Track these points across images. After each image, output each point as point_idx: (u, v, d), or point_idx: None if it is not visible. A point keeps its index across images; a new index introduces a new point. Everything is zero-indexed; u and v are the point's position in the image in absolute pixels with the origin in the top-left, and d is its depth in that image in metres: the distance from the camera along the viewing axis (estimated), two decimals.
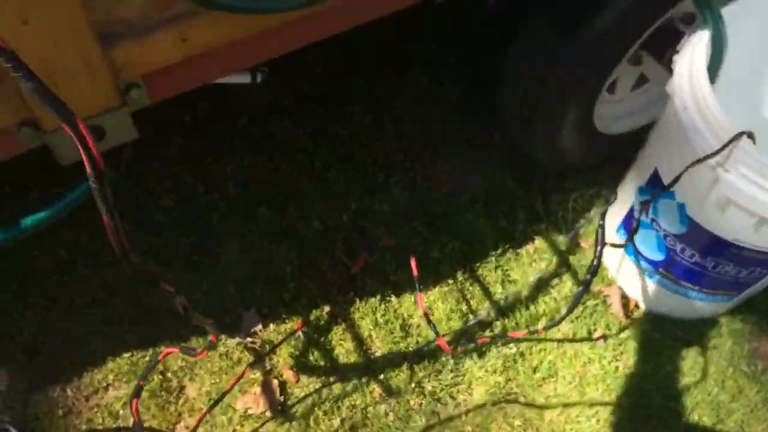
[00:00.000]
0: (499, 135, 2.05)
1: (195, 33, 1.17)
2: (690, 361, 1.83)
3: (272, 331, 1.78)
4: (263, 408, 1.69)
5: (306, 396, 1.71)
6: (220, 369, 1.73)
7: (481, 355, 1.80)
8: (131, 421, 1.65)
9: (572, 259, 1.94)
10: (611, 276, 1.93)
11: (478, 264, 1.90)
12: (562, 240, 1.95)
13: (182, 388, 1.71)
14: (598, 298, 1.89)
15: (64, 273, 1.79)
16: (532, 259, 1.93)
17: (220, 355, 1.74)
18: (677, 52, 1.46)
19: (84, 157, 0.65)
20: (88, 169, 0.66)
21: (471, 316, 1.83)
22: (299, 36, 1.37)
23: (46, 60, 1.03)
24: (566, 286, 1.90)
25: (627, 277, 1.87)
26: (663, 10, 1.52)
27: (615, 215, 1.81)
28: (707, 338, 1.86)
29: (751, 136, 1.28)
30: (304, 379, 1.74)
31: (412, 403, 1.73)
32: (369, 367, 1.76)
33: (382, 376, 1.75)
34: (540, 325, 1.82)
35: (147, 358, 1.72)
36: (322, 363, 1.75)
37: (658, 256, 1.69)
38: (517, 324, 1.84)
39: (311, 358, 1.76)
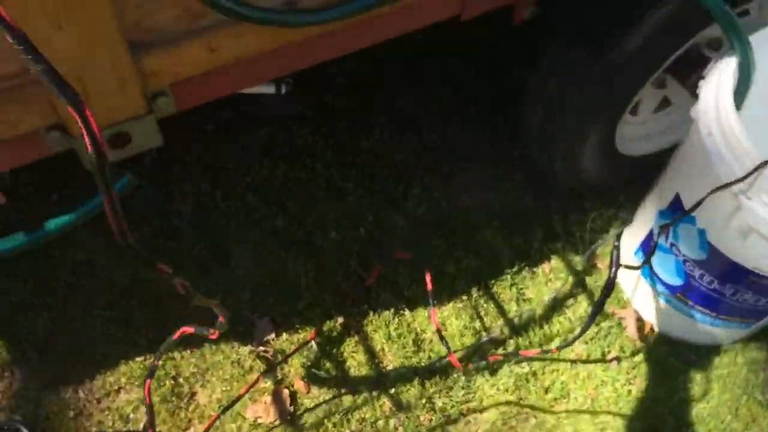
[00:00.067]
0: (519, 152, 2.05)
1: (223, 44, 1.18)
2: (704, 388, 1.81)
3: (285, 341, 1.78)
4: (273, 418, 1.69)
5: (316, 407, 1.71)
6: (231, 376, 1.73)
7: (493, 373, 1.79)
8: (141, 425, 1.66)
9: (588, 279, 1.93)
10: (627, 298, 1.91)
11: (493, 281, 1.90)
12: (578, 260, 1.94)
13: (193, 394, 1.71)
14: (612, 320, 1.88)
15: (81, 274, 1.80)
16: (548, 278, 1.92)
17: (231, 362, 1.74)
18: (703, 77, 1.46)
19: (87, 139, 0.66)
20: (89, 148, 0.67)
21: (484, 334, 1.83)
22: (325, 49, 1.38)
23: (77, 66, 1.04)
24: (581, 306, 1.89)
25: (643, 300, 1.86)
26: (690, 35, 1.51)
27: (634, 237, 1.80)
28: (722, 365, 1.84)
29: None
30: (315, 390, 1.73)
31: (422, 418, 1.73)
32: (380, 381, 1.76)
33: (393, 391, 1.74)
34: (553, 345, 1.81)
35: (160, 363, 1.72)
36: (333, 374, 1.75)
37: (677, 281, 1.68)
38: (530, 343, 1.83)
39: (323, 369, 1.76)
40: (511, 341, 1.83)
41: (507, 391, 1.77)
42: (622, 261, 1.59)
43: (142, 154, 1.34)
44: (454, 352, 1.74)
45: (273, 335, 1.78)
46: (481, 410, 1.75)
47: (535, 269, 1.93)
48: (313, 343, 1.77)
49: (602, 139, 1.73)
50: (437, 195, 1.99)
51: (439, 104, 2.11)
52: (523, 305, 1.88)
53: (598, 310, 1.59)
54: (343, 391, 1.74)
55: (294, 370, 1.75)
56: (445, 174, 2.02)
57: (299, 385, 1.73)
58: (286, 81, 1.51)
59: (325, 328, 1.80)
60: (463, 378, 1.77)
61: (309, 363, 1.75)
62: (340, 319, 1.81)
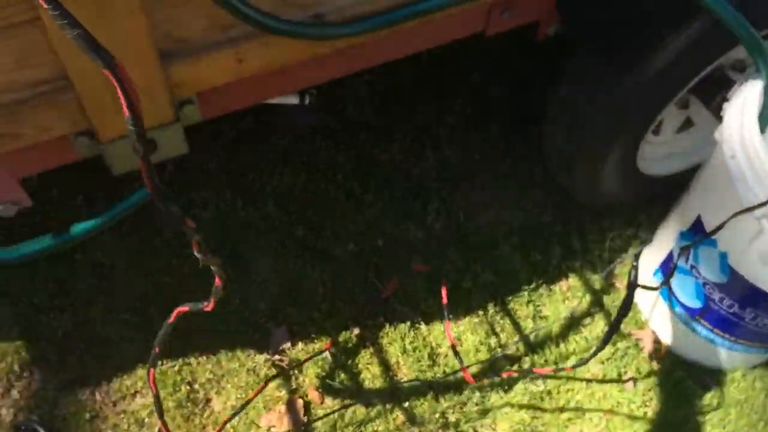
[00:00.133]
0: (539, 169, 2.05)
1: (251, 55, 1.20)
2: (720, 413, 1.79)
3: (300, 350, 1.78)
4: (287, 427, 1.70)
5: (330, 418, 1.71)
6: (246, 384, 1.74)
7: (508, 390, 1.78)
8: (156, 429, 1.67)
9: (606, 298, 1.92)
10: (644, 319, 1.90)
11: (510, 297, 1.89)
12: (596, 279, 1.93)
13: (208, 400, 1.72)
14: (629, 341, 1.87)
15: (103, 278, 1.82)
16: (565, 296, 1.92)
17: (247, 370, 1.75)
18: (727, 99, 1.45)
19: (122, 100, 0.67)
20: (126, 111, 0.69)
21: (499, 350, 1.82)
22: (351, 62, 1.39)
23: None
24: (598, 326, 1.88)
25: (661, 321, 1.84)
26: (715, 56, 1.51)
27: (653, 258, 1.79)
28: (739, 390, 1.82)
29: None
30: (328, 400, 1.74)
31: None
32: (394, 394, 1.76)
33: (406, 404, 1.74)
34: (569, 364, 1.80)
35: (176, 369, 1.74)
36: (347, 386, 1.75)
37: (696, 304, 1.66)
38: (546, 361, 1.82)
39: (337, 380, 1.76)
40: (527, 358, 1.82)
41: (521, 408, 1.76)
42: (641, 281, 1.58)
43: (164, 161, 1.36)
44: (468, 367, 1.74)
45: (289, 344, 1.79)
46: (495, 427, 1.74)
47: (552, 287, 1.92)
48: (327, 353, 1.78)
49: (624, 159, 1.73)
50: (456, 209, 1.99)
51: (459, 119, 2.12)
52: (539, 322, 1.87)
53: (614, 330, 1.58)
54: (356, 402, 1.74)
55: (308, 380, 1.75)
56: (464, 189, 2.02)
57: (313, 395, 1.74)
58: (310, 92, 1.52)
59: (340, 339, 1.80)
60: (477, 394, 1.77)
61: (323, 373, 1.76)
62: (356, 331, 1.82)
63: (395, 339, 1.81)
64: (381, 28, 1.20)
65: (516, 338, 1.85)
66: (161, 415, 1.39)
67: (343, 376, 1.77)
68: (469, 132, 2.10)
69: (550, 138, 1.81)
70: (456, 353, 1.70)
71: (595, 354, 1.62)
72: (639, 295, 1.87)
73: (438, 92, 2.15)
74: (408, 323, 1.83)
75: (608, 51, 1.52)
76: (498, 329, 1.86)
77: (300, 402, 1.73)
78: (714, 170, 1.48)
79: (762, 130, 1.35)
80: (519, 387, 1.79)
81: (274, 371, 1.75)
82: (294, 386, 1.75)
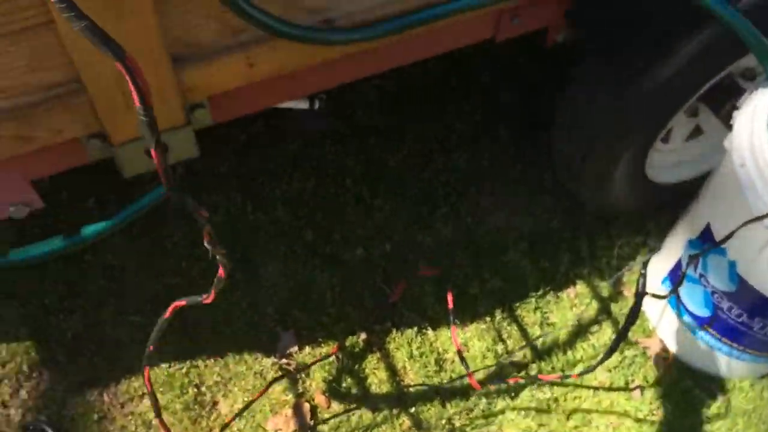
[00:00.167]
0: (548, 175, 2.05)
1: (261, 59, 1.20)
2: (728, 423, 1.78)
3: (308, 354, 1.79)
4: (293, 430, 1.70)
5: (336, 422, 1.72)
6: (253, 387, 1.74)
7: (514, 397, 1.78)
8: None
9: (614, 306, 1.91)
10: (652, 327, 1.89)
11: (517, 304, 1.89)
12: (604, 286, 1.93)
13: (215, 403, 1.73)
14: (637, 349, 1.86)
15: (113, 280, 1.83)
16: (573, 304, 1.91)
17: (254, 373, 1.76)
18: (737, 107, 1.45)
19: (133, 91, 0.68)
20: (137, 102, 0.69)
21: (506, 356, 1.82)
22: (361, 67, 1.40)
23: (121, 77, 1.07)
24: (606, 333, 1.87)
25: (669, 329, 1.84)
26: (724, 64, 1.51)
27: (662, 266, 1.78)
28: (747, 400, 1.81)
29: None
30: (335, 405, 1.74)
31: None
32: (401, 399, 1.76)
33: (413, 410, 1.74)
34: (576, 371, 1.80)
35: (184, 371, 1.74)
36: (354, 390, 1.76)
37: (704, 312, 1.66)
38: (553, 368, 1.82)
39: (344, 384, 1.76)
40: (534, 365, 1.82)
41: (528, 416, 1.76)
42: (649, 289, 1.58)
43: (175, 165, 1.37)
44: (474, 372, 1.73)
45: (296, 348, 1.80)
46: None
47: (560, 293, 1.92)
48: (334, 357, 1.78)
49: (633, 166, 1.73)
50: (464, 215, 1.99)
51: (469, 124, 2.12)
52: (547, 329, 1.87)
53: (621, 338, 1.57)
54: (363, 407, 1.74)
55: (315, 384, 1.76)
56: (473, 194, 2.02)
57: (320, 399, 1.74)
58: (320, 96, 1.53)
59: (347, 344, 1.81)
60: (484, 400, 1.77)
61: (330, 378, 1.76)
62: (363, 336, 1.82)
63: (402, 344, 1.81)
64: (391, 34, 1.21)
65: (523, 345, 1.84)
66: (158, 413, 1.39)
67: (350, 380, 1.77)
68: (479, 137, 2.10)
69: (558, 145, 1.81)
70: (462, 358, 1.70)
71: (602, 362, 1.61)
72: (647, 303, 1.86)
73: (447, 97, 2.16)
74: (415, 329, 1.83)
75: (617, 58, 1.52)
76: (505, 336, 1.86)
77: (307, 406, 1.73)
78: (723, 178, 1.48)
79: None
80: (526, 394, 1.78)
81: (280, 373, 1.76)
82: (301, 390, 1.75)
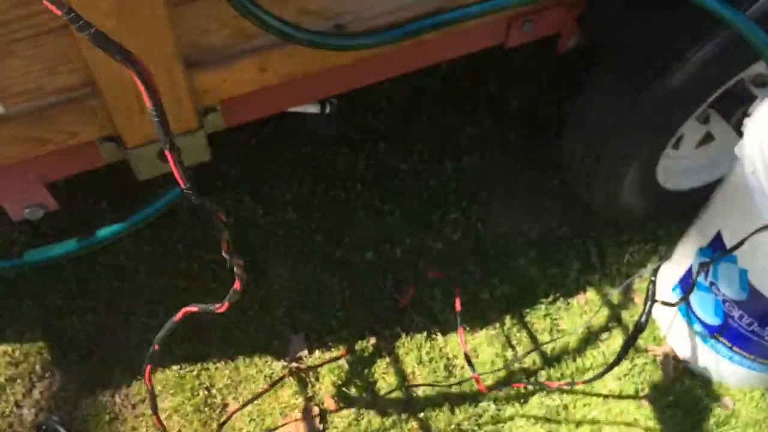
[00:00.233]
0: (558, 182, 2.05)
1: (273, 64, 1.22)
2: None
3: (317, 358, 1.79)
4: None
5: (345, 426, 1.72)
6: (263, 390, 1.75)
7: (523, 403, 1.78)
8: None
9: (624, 313, 1.91)
10: (662, 335, 1.89)
11: (527, 310, 1.89)
12: (614, 293, 1.93)
13: (225, 405, 1.74)
14: (647, 357, 1.85)
15: (124, 281, 1.85)
16: (583, 310, 1.91)
17: (264, 376, 1.76)
18: (748, 114, 1.45)
19: (144, 93, 0.70)
20: (148, 103, 0.71)
21: (516, 363, 1.82)
22: (372, 72, 1.41)
23: (133, 80, 1.09)
24: (616, 340, 1.87)
25: (679, 338, 1.83)
26: (735, 71, 1.51)
27: (672, 273, 1.78)
28: (757, 409, 1.80)
29: None
30: (344, 409, 1.74)
31: None
32: (409, 404, 1.76)
33: (421, 415, 1.74)
34: (586, 378, 1.79)
35: (195, 373, 1.75)
36: (363, 395, 1.76)
37: (715, 321, 1.65)
38: (562, 375, 1.82)
39: (353, 388, 1.77)
40: (543, 372, 1.82)
41: (537, 423, 1.76)
42: (660, 297, 1.58)
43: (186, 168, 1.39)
44: (481, 374, 1.73)
45: (306, 352, 1.80)
46: None
47: (570, 300, 1.92)
48: (344, 361, 1.79)
49: (643, 173, 1.73)
50: (474, 220, 2.00)
51: (479, 130, 2.13)
52: (556, 336, 1.87)
53: (629, 346, 1.57)
54: (372, 411, 1.74)
55: (324, 388, 1.76)
56: (483, 200, 2.03)
57: (329, 403, 1.75)
58: (331, 101, 1.55)
59: (357, 348, 1.81)
60: (492, 406, 1.76)
61: (340, 381, 1.77)
62: (373, 340, 1.82)
63: (411, 349, 1.82)
64: (402, 40, 1.22)
65: (532, 351, 1.84)
66: (155, 410, 1.40)
67: (359, 384, 1.78)
68: (488, 143, 2.11)
69: (569, 152, 1.81)
70: (468, 360, 1.70)
71: (609, 369, 1.61)
72: (657, 310, 1.86)
73: (457, 103, 2.16)
74: (424, 333, 1.83)
75: (628, 64, 1.52)
76: (515, 342, 1.86)
77: (316, 409, 1.74)
78: (734, 186, 1.47)
79: None
80: (535, 400, 1.78)
81: (290, 378, 1.76)
82: (310, 393, 1.76)
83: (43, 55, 1.03)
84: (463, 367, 1.81)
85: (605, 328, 1.89)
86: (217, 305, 1.14)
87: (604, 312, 1.90)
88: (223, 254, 0.99)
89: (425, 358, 1.81)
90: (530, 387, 1.78)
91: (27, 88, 1.07)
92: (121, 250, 1.87)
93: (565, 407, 1.78)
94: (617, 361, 1.58)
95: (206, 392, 1.74)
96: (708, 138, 1.83)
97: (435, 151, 2.08)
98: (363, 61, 1.30)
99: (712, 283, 1.60)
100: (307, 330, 1.83)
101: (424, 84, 2.16)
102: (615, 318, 1.90)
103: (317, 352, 1.80)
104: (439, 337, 1.84)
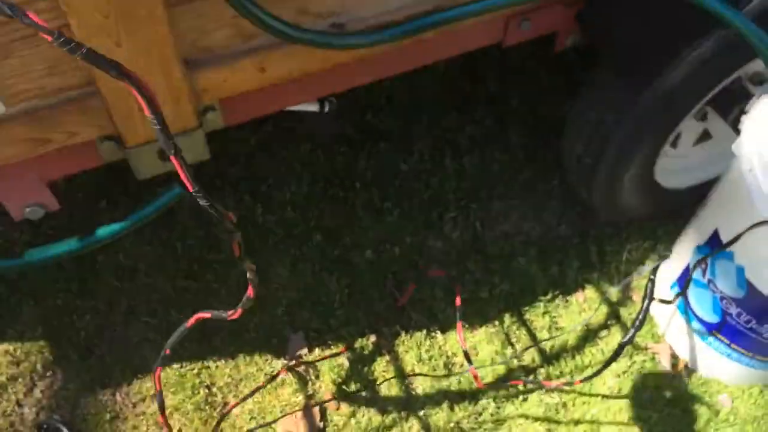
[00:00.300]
0: (557, 180, 2.05)
1: (272, 64, 1.22)
2: (737, 429, 1.77)
3: (317, 356, 1.80)
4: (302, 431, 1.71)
5: (345, 424, 1.73)
6: (263, 389, 1.76)
7: (523, 401, 1.78)
8: (175, 431, 1.69)
9: (623, 311, 1.91)
10: (661, 333, 1.89)
11: (526, 308, 1.90)
12: (613, 291, 1.93)
13: (226, 404, 1.74)
14: (646, 355, 1.86)
15: (125, 280, 1.86)
16: (582, 308, 1.91)
17: (264, 375, 1.77)
18: (745, 111, 1.45)
19: (143, 104, 0.71)
20: (147, 112, 0.72)
21: (515, 361, 1.82)
22: (371, 71, 1.42)
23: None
24: (614, 338, 1.87)
25: (677, 335, 1.83)
26: (732, 69, 1.51)
27: (671, 271, 1.78)
28: (756, 406, 1.80)
29: None
30: (344, 407, 1.75)
31: None
32: (409, 402, 1.76)
33: (421, 413, 1.75)
34: (585, 375, 1.79)
35: (195, 372, 1.76)
36: (363, 393, 1.77)
37: (713, 318, 1.66)
38: (561, 372, 1.82)
39: (353, 387, 1.77)
40: (542, 370, 1.82)
41: (536, 420, 1.76)
42: (658, 295, 1.59)
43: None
44: (480, 370, 1.74)
45: (305, 350, 1.81)
46: None
47: (569, 298, 1.92)
48: (344, 360, 1.79)
49: (642, 171, 1.73)
50: (474, 219, 2.00)
51: (479, 130, 2.13)
52: (555, 334, 1.87)
53: (626, 344, 1.58)
54: (372, 410, 1.75)
55: (325, 386, 1.77)
56: (483, 199, 2.03)
57: (329, 401, 1.75)
58: (330, 100, 1.55)
59: (357, 346, 1.82)
60: (492, 404, 1.77)
61: (340, 380, 1.77)
62: (373, 338, 1.83)
63: (411, 347, 1.82)
64: (400, 38, 1.23)
65: (532, 349, 1.84)
66: (162, 410, 1.41)
67: (359, 383, 1.78)
68: (488, 142, 2.11)
69: (569, 151, 1.81)
70: (467, 356, 1.70)
71: (605, 366, 1.62)
72: (656, 308, 1.87)
73: (457, 102, 2.17)
74: (424, 332, 1.84)
75: (627, 63, 1.53)
76: (514, 340, 1.87)
77: (316, 407, 1.74)
78: (731, 183, 1.48)
79: None
80: (534, 398, 1.79)
81: (291, 377, 1.77)
82: (311, 392, 1.76)
83: (43, 55, 1.04)
84: (462, 365, 1.81)
85: (604, 326, 1.89)
86: (230, 312, 1.13)
87: (603, 310, 1.91)
88: (236, 258, 0.98)
89: (425, 356, 1.81)
90: (529, 385, 1.79)
91: (27, 88, 1.08)
92: (120, 250, 1.88)
93: (564, 405, 1.79)
94: (614, 358, 1.58)
95: (207, 390, 1.75)
96: (705, 136, 1.84)
97: (435, 151, 2.09)
98: (362, 60, 1.31)
99: (709, 281, 1.60)
100: (307, 329, 1.83)
101: (424, 83, 2.16)
102: (614, 316, 1.91)
103: (317, 351, 1.81)
104: (439, 335, 1.85)
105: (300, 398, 1.75)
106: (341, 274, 1.90)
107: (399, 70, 1.47)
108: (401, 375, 1.79)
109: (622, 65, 1.57)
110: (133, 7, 0.99)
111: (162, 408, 1.41)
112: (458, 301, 1.71)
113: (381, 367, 1.80)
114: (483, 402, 1.77)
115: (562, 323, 1.89)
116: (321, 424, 1.73)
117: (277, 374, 1.74)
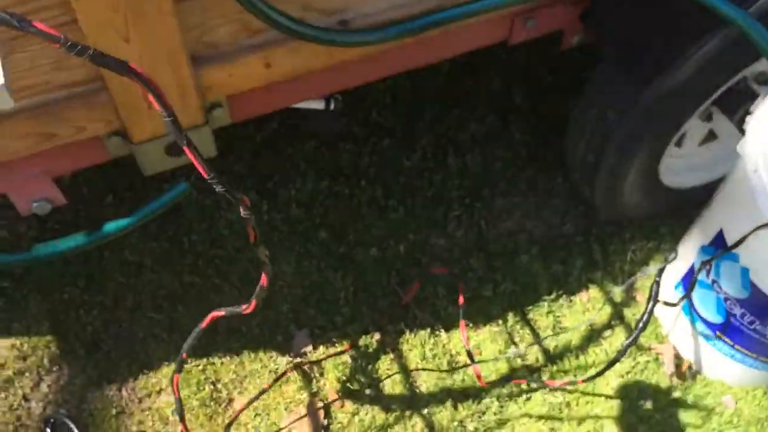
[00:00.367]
0: (561, 179, 2.05)
1: (279, 60, 1.23)
2: (741, 430, 1.77)
3: (322, 354, 1.80)
4: (307, 430, 1.72)
5: (349, 422, 1.73)
6: (267, 386, 1.76)
7: (526, 400, 1.78)
8: (179, 428, 1.70)
9: (626, 311, 1.91)
10: (665, 333, 1.89)
11: (530, 307, 1.90)
12: (617, 291, 1.93)
13: (231, 400, 1.75)
14: (650, 355, 1.86)
15: (131, 276, 1.87)
16: (586, 308, 1.91)
17: (269, 371, 1.78)
18: (750, 112, 1.45)
19: (153, 100, 0.72)
20: (156, 106, 0.74)
21: (519, 360, 1.82)
22: (377, 69, 1.42)
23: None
24: (618, 338, 1.87)
25: (682, 336, 1.83)
26: (738, 69, 1.51)
27: (675, 272, 1.78)
28: (760, 408, 1.80)
29: None
30: (348, 404, 1.75)
31: None
32: (413, 400, 1.77)
33: (425, 411, 1.75)
34: (588, 375, 1.80)
35: (201, 368, 1.77)
36: (367, 391, 1.77)
37: (717, 319, 1.65)
38: (565, 372, 1.82)
39: (357, 384, 1.78)
40: (545, 369, 1.82)
41: (540, 420, 1.76)
42: (662, 295, 1.59)
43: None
44: (483, 370, 1.74)
45: (310, 347, 1.82)
46: None
47: (572, 298, 1.92)
48: (348, 357, 1.80)
49: (646, 171, 1.73)
50: (477, 217, 2.00)
51: (482, 128, 2.13)
52: (559, 333, 1.87)
53: (630, 344, 1.58)
54: (376, 407, 1.75)
55: (329, 384, 1.78)
56: (486, 197, 2.03)
57: (333, 398, 1.76)
58: (335, 97, 1.56)
59: (361, 344, 1.82)
60: (496, 403, 1.77)
61: (344, 377, 1.78)
62: (377, 336, 1.83)
63: (415, 345, 1.83)
64: (405, 36, 1.23)
65: (535, 348, 1.85)
66: (182, 418, 1.41)
67: (363, 381, 1.79)
68: (492, 140, 2.11)
69: (572, 150, 1.81)
70: (470, 355, 1.70)
71: (609, 367, 1.61)
72: (660, 309, 1.86)
73: (461, 100, 2.17)
74: (428, 330, 1.84)
75: (631, 62, 1.53)
76: (517, 339, 1.87)
77: (320, 405, 1.75)
78: (736, 184, 1.48)
79: None
80: (538, 397, 1.79)
81: (295, 374, 1.78)
82: (315, 389, 1.77)
83: (50, 50, 1.05)
84: (467, 363, 1.81)
85: (608, 326, 1.89)
86: (244, 306, 1.11)
87: (607, 310, 1.91)
88: (251, 243, 0.98)
89: (429, 355, 1.82)
90: (532, 384, 1.79)
91: (34, 83, 1.09)
92: (127, 245, 1.89)
93: (568, 405, 1.79)
94: (618, 357, 1.58)
95: (212, 387, 1.76)
96: (711, 136, 1.84)
97: (439, 148, 2.09)
98: (367, 57, 1.31)
99: (714, 282, 1.60)
100: (311, 326, 1.84)
101: (429, 81, 2.16)
102: (617, 316, 1.91)
103: (321, 348, 1.81)
104: (443, 333, 1.85)
105: (304, 395, 1.76)
106: (346, 272, 1.90)
107: (404, 68, 1.47)
108: (405, 372, 1.79)
109: (627, 64, 1.56)
110: (142, 3, 0.99)
111: (182, 416, 1.40)
112: (461, 300, 1.71)
113: (385, 366, 1.81)
114: (486, 401, 1.77)
115: (566, 322, 1.89)
116: (325, 422, 1.73)
117: (284, 374, 1.75)
